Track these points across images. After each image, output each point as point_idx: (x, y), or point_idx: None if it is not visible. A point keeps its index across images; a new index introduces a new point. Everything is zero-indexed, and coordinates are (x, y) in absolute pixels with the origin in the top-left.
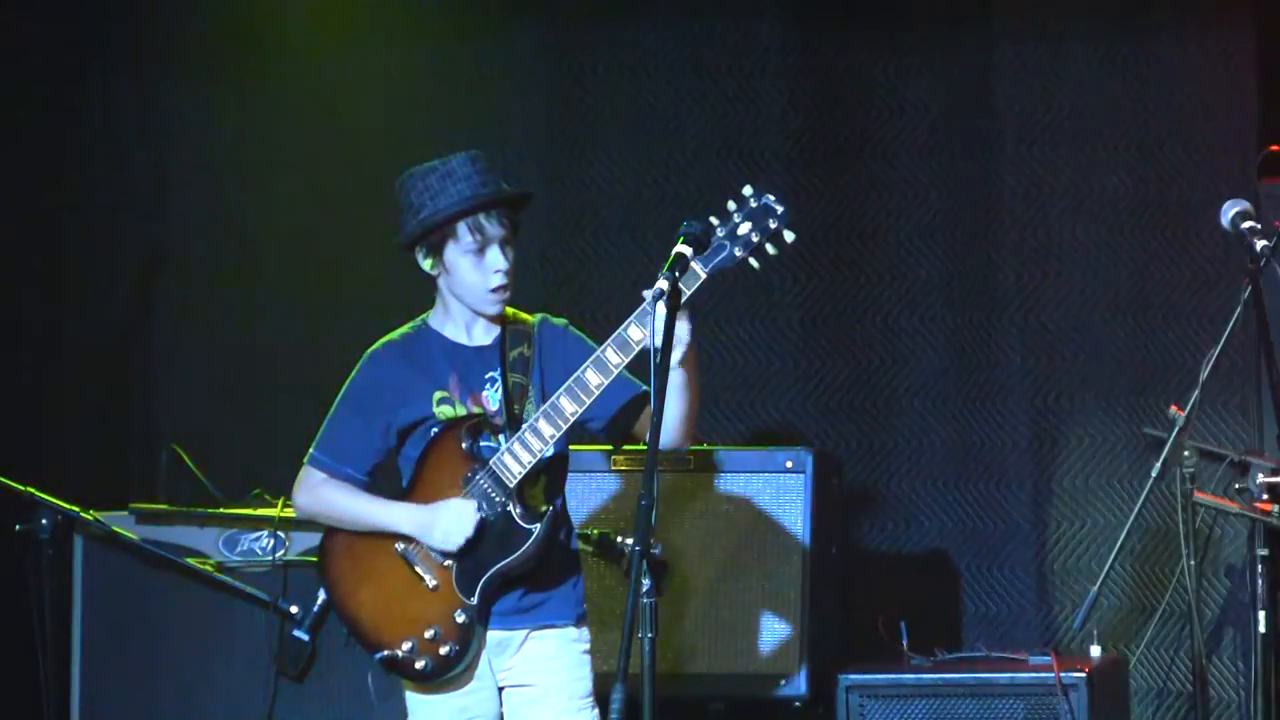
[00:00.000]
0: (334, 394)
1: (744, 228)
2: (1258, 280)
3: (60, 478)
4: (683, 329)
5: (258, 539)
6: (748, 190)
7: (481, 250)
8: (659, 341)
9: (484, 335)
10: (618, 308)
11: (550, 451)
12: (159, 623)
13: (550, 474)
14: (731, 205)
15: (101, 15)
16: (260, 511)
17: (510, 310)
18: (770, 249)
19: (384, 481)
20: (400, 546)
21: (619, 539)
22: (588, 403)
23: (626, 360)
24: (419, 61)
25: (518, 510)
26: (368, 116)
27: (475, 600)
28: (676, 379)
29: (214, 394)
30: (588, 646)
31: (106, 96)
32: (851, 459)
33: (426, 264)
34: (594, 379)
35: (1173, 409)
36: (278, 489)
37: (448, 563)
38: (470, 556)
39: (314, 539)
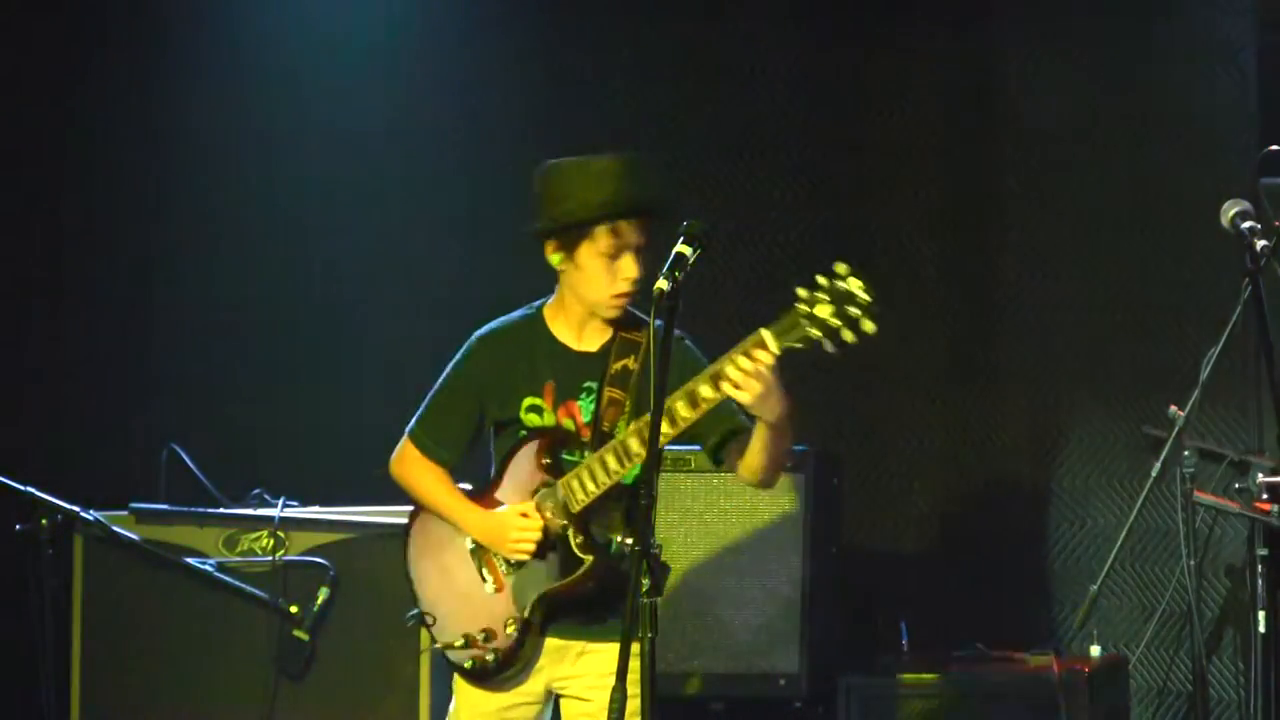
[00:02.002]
0: (334, 394)
1: (824, 310)
2: (1258, 280)
3: (60, 478)
4: (778, 400)
5: (258, 539)
6: (841, 268)
7: (616, 255)
8: (657, 342)
9: (594, 340)
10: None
11: (624, 481)
12: (159, 623)
13: (634, 505)
14: (821, 280)
15: (102, 15)
16: (260, 511)
17: (629, 311)
18: (848, 335)
19: (476, 461)
20: (470, 545)
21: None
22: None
23: (693, 419)
24: (418, 61)
25: (577, 538)
26: (367, 116)
27: (528, 614)
28: (764, 437)
29: (214, 394)
30: None
31: (106, 96)
32: (851, 459)
33: (555, 258)
34: (663, 427)
35: (1173, 409)
36: (278, 489)
37: (509, 572)
38: (528, 572)
39: (314, 539)
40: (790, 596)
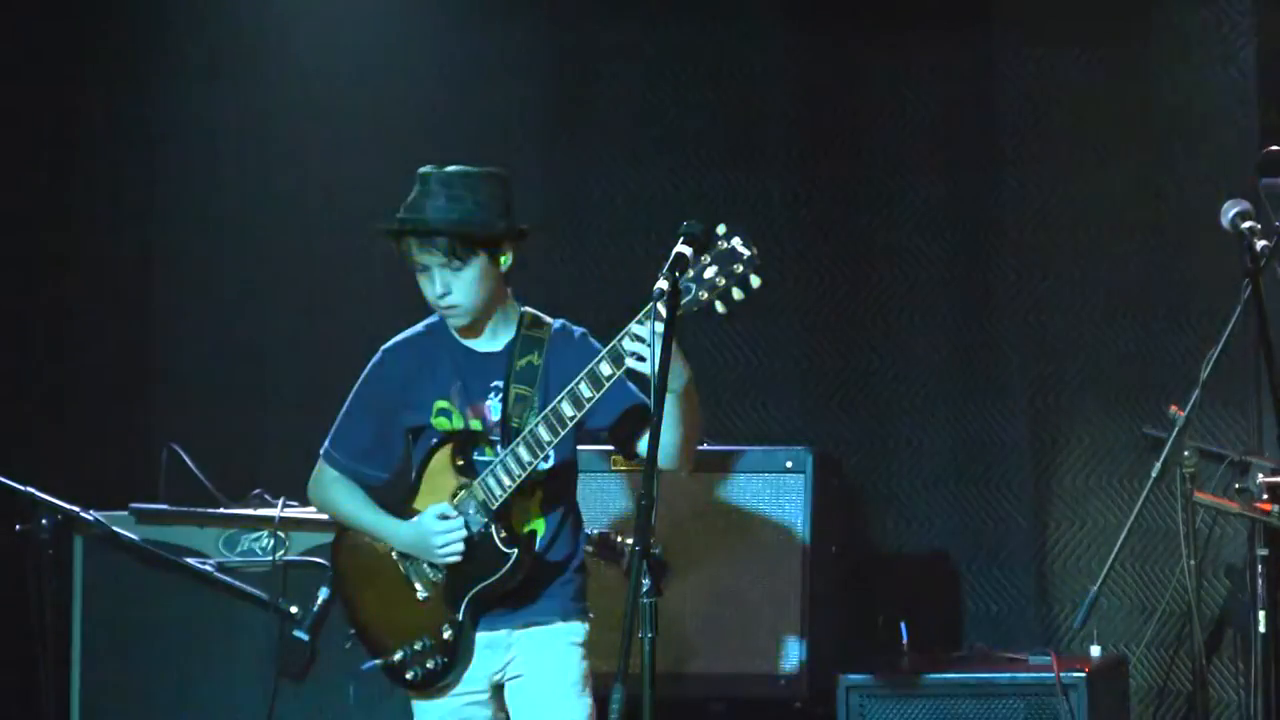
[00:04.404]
0: (333, 394)
1: (710, 270)
2: (1258, 280)
3: (60, 478)
4: (676, 365)
5: (258, 539)
6: (720, 229)
7: (418, 271)
8: (658, 344)
9: (496, 339)
10: (617, 308)
11: (545, 466)
12: (159, 623)
13: (548, 488)
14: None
15: (101, 15)
16: (260, 511)
17: (531, 313)
18: (737, 294)
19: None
20: (396, 555)
21: (619, 539)
22: (562, 434)
23: (597, 396)
24: (420, 61)
25: (500, 533)
26: (368, 116)
27: (461, 616)
28: (671, 408)
29: (214, 394)
30: (579, 640)
31: (106, 96)
32: (851, 459)
33: None
34: (568, 410)
35: (1173, 409)
36: (278, 489)
37: (438, 576)
38: (456, 573)
39: (314, 539)
40: (790, 596)
